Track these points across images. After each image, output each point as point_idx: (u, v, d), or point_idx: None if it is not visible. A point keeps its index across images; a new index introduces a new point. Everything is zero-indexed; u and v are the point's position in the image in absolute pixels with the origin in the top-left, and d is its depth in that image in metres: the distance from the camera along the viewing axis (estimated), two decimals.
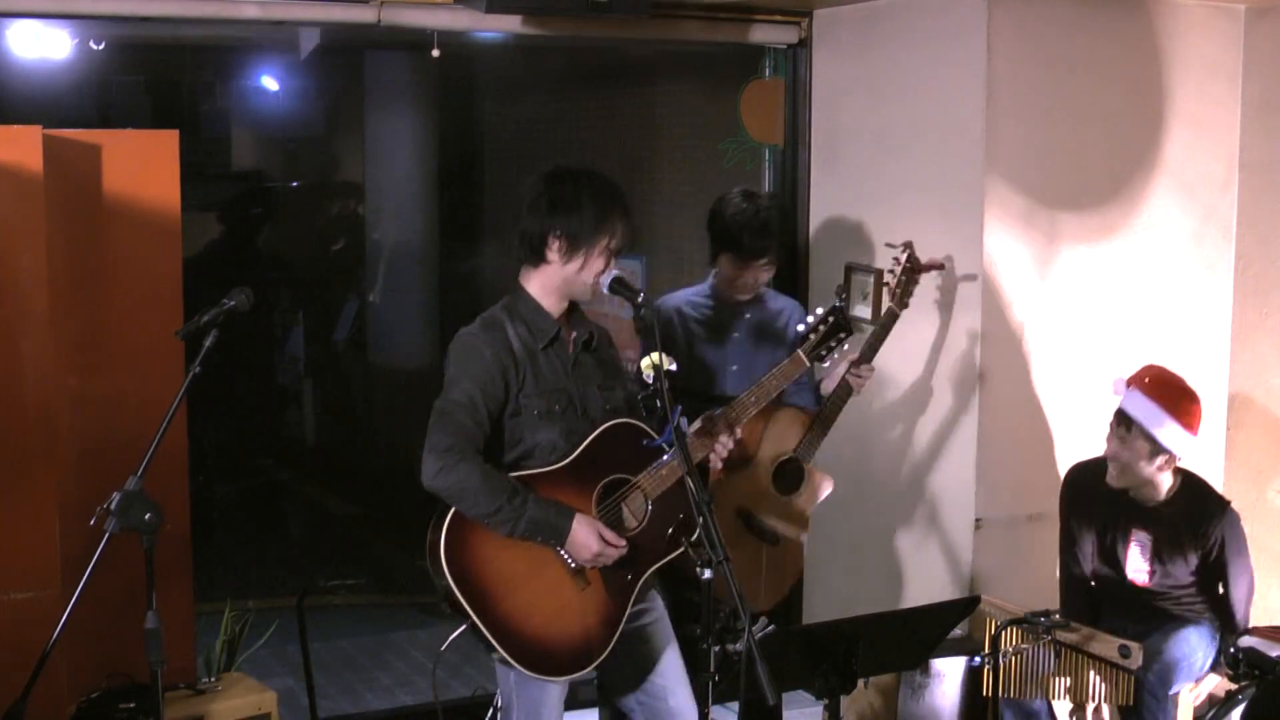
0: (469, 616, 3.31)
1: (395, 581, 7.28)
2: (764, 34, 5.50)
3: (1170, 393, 4.34)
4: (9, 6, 4.47)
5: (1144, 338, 5.13)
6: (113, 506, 3.32)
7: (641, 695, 3.63)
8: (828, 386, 4.32)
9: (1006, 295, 4.87)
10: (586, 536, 3.36)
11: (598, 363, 3.61)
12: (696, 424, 3.67)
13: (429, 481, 3.36)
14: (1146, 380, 4.37)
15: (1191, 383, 4.54)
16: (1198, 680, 4.43)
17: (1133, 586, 4.50)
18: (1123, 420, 4.34)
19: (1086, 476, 4.58)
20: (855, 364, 4.24)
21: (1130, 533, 4.46)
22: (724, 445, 3.67)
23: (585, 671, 3.44)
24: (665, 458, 3.46)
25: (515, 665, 3.34)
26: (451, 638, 3.52)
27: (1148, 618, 4.47)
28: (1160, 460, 4.32)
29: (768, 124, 5.68)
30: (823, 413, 4.29)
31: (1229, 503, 4.47)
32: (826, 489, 4.37)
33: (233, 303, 3.56)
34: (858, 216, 5.33)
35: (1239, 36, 5.17)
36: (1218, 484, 5.29)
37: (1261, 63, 5.15)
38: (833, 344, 4.02)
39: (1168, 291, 5.17)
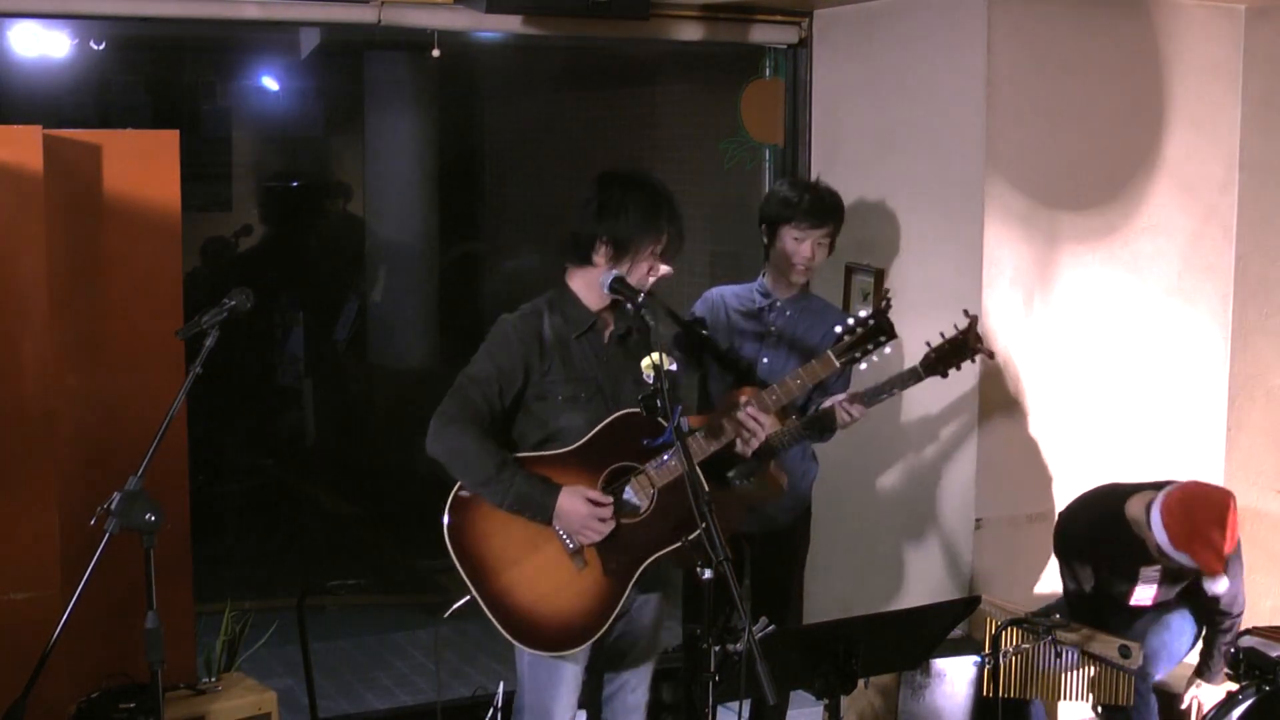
0: (469, 589, 3.46)
1: (395, 581, 7.28)
2: (764, 34, 5.50)
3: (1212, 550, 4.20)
4: (9, 6, 4.47)
5: (1144, 338, 5.13)
6: (113, 506, 3.31)
7: (606, 678, 3.73)
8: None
9: (1006, 295, 4.87)
10: (572, 504, 3.42)
11: (636, 358, 3.60)
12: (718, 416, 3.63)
13: (429, 447, 3.48)
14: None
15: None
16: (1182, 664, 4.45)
17: (1135, 610, 4.50)
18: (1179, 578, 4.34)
19: (1082, 523, 4.50)
20: (851, 400, 4.09)
21: (1139, 571, 4.41)
22: (748, 425, 3.60)
23: (575, 650, 3.50)
24: (666, 456, 3.47)
25: (505, 634, 3.46)
26: (455, 606, 3.68)
27: (1142, 616, 4.49)
28: None
29: (768, 124, 5.68)
30: (801, 417, 4.15)
31: None
32: (773, 494, 4.07)
33: (233, 303, 3.56)
34: (858, 217, 5.32)
35: (1239, 36, 5.17)
36: (1219, 484, 5.29)
37: (1261, 63, 5.15)
38: (870, 347, 3.77)
39: (1168, 292, 5.17)
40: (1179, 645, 4.42)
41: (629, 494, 3.50)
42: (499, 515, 3.43)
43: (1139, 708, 4.29)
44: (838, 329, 3.81)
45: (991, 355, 4.13)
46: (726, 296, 4.49)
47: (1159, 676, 4.37)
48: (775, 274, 4.41)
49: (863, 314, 3.78)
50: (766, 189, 5.75)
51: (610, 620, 3.48)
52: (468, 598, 3.49)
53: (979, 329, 4.01)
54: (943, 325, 4.47)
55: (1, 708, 3.57)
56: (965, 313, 4.01)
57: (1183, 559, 4.15)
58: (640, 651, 3.72)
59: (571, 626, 3.46)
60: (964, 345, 3.97)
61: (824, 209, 4.31)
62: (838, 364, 3.77)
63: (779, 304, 4.41)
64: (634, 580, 3.49)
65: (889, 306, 3.80)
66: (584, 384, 3.53)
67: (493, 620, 3.45)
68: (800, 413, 4.23)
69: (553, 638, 3.47)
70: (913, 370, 4.02)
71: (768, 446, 4.01)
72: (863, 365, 3.84)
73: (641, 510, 3.50)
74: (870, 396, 4.08)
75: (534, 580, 3.45)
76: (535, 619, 3.45)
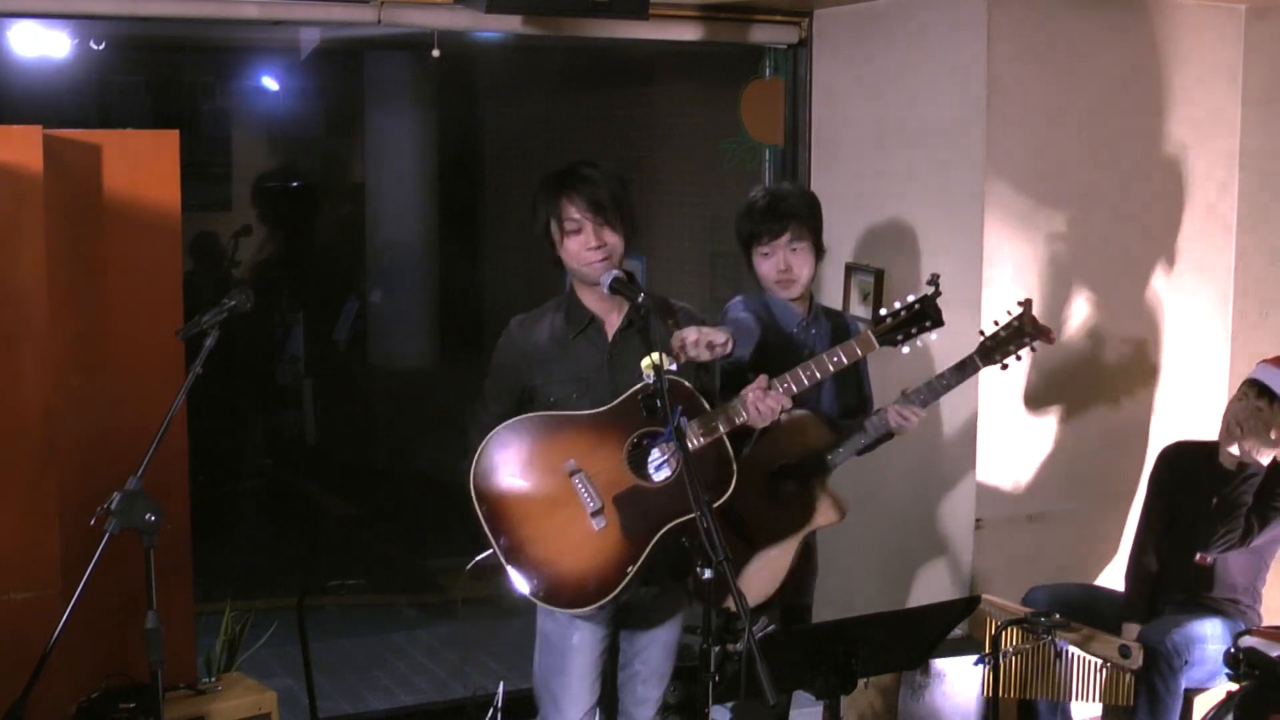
0: (488, 539, 3.46)
1: (395, 581, 7.29)
2: (764, 34, 5.51)
3: None
4: (9, 6, 4.47)
5: (1144, 338, 5.13)
6: (113, 506, 3.31)
7: (621, 661, 3.75)
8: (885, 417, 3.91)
9: (1006, 295, 4.87)
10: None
11: (643, 346, 3.47)
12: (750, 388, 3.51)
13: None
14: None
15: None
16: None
17: (1198, 567, 4.52)
18: (1264, 392, 4.42)
19: (1186, 456, 4.65)
20: (904, 402, 3.85)
21: (1210, 499, 4.49)
22: (761, 409, 3.49)
23: (589, 609, 3.48)
24: (666, 456, 3.47)
25: (519, 587, 3.44)
26: (478, 559, 3.65)
27: (1192, 604, 4.50)
28: None
29: (768, 124, 5.68)
30: (852, 435, 3.91)
31: None
32: (826, 518, 3.91)
33: (233, 303, 3.56)
34: (858, 216, 5.33)
35: (1239, 36, 5.17)
36: None
37: (1261, 63, 5.15)
38: (914, 331, 3.57)
39: (1168, 291, 5.17)
40: (1215, 654, 4.39)
41: (656, 455, 3.49)
42: (523, 471, 3.47)
43: (1169, 690, 4.26)
44: (882, 310, 3.63)
45: (1052, 340, 3.85)
46: (768, 308, 4.10)
47: (1188, 664, 4.31)
48: (770, 288, 4.08)
49: (911, 298, 3.60)
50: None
51: (625, 582, 3.45)
52: (490, 551, 3.48)
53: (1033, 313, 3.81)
54: (944, 325, 4.45)
55: (1, 708, 3.57)
56: (1029, 302, 3.83)
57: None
58: (653, 639, 3.71)
59: (586, 585, 3.44)
60: (1020, 331, 3.76)
61: (778, 213, 3.99)
62: (877, 344, 3.58)
63: (802, 322, 4.09)
64: (651, 545, 3.46)
65: (939, 293, 3.60)
66: (575, 385, 3.54)
67: (509, 571, 3.43)
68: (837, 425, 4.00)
69: (567, 594, 3.46)
70: (968, 361, 3.80)
71: (820, 465, 3.92)
72: (905, 349, 3.64)
73: (666, 477, 3.48)
74: (924, 395, 3.85)
75: (553, 535, 3.45)
76: (551, 574, 3.44)
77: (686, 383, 3.48)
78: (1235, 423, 4.46)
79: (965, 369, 3.80)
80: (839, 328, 4.18)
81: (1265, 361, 4.54)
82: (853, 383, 4.13)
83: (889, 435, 3.94)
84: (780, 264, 4.00)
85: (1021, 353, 3.80)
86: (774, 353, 3.96)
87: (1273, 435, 4.41)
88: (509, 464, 3.47)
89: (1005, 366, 3.82)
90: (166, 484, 3.95)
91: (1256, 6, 5.11)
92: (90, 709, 4.09)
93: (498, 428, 3.47)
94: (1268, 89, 5.14)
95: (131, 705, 4.06)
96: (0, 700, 3.61)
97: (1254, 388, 4.46)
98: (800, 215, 4.01)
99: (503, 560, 3.45)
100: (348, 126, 9.69)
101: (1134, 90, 5.01)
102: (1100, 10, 4.91)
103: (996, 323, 3.80)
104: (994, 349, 3.79)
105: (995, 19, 4.73)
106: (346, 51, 8.68)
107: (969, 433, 4.92)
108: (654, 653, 3.74)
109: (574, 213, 3.51)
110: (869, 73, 5.28)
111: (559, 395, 3.53)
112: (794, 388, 3.55)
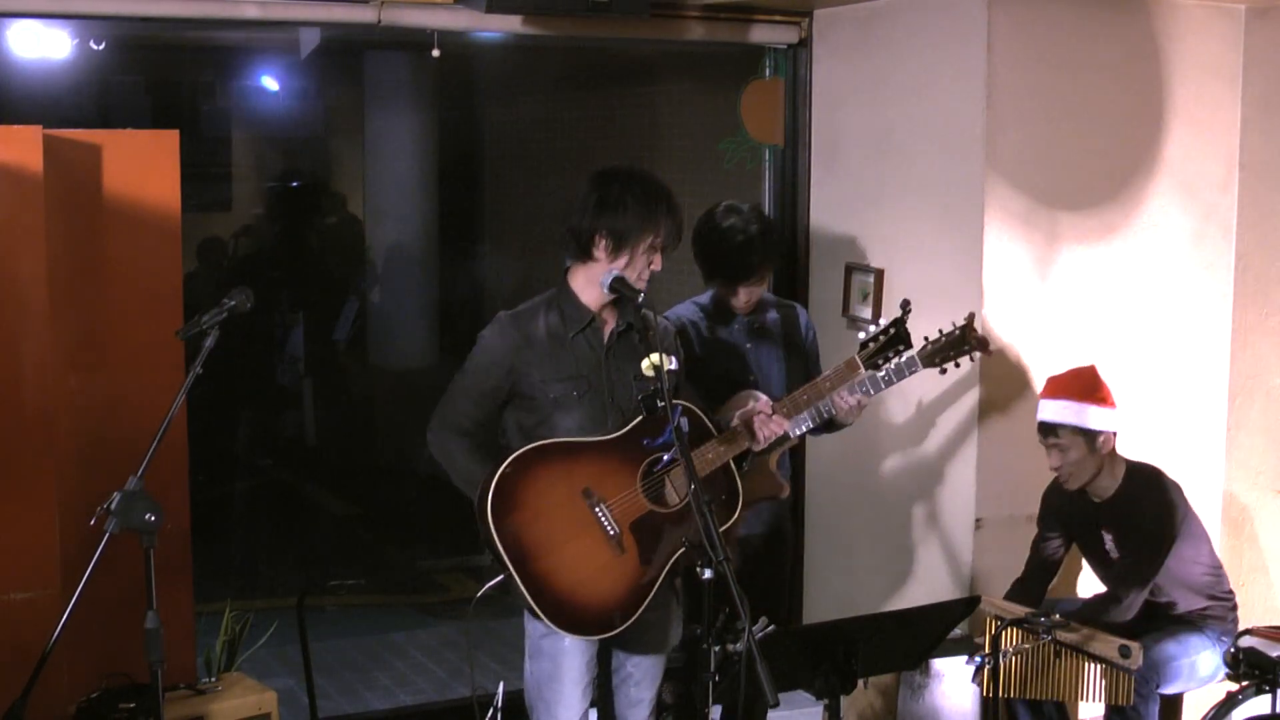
0: (508, 572, 3.43)
1: (395, 581, 7.29)
2: (764, 34, 5.51)
3: (1069, 383, 4.44)
4: (9, 6, 4.47)
5: (1144, 338, 5.13)
6: (113, 506, 3.31)
7: (613, 666, 3.78)
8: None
9: (1006, 295, 4.88)
10: None
11: (637, 356, 3.58)
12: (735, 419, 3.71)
13: (428, 444, 3.65)
14: (1045, 389, 4.49)
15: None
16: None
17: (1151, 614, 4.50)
18: (1047, 430, 4.40)
19: (1056, 490, 4.58)
20: (849, 391, 4.06)
21: (1101, 535, 4.48)
22: (767, 434, 3.69)
23: (611, 633, 3.52)
24: (666, 457, 3.48)
25: (545, 621, 3.45)
26: (486, 587, 3.69)
27: (1150, 616, 4.47)
28: (1100, 446, 4.37)
29: (768, 124, 5.68)
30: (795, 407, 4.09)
31: (1163, 477, 4.49)
32: (767, 491, 4.24)
33: (233, 303, 3.56)
34: (858, 217, 5.33)
35: (1239, 37, 5.17)
36: (1218, 484, 5.30)
37: (1261, 63, 5.15)
38: (890, 354, 3.94)
39: (1168, 291, 5.17)
40: (1199, 665, 4.38)
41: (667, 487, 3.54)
42: (542, 502, 3.45)
43: (1140, 714, 4.28)
44: (861, 335, 3.95)
45: (989, 352, 4.21)
46: (694, 319, 4.33)
47: (1166, 690, 4.34)
48: (724, 301, 4.32)
49: (884, 322, 3.94)
50: (766, 189, 5.75)
51: (645, 604, 3.50)
52: (499, 578, 3.50)
53: (978, 326, 4.11)
54: (942, 325, 4.49)
55: (1, 708, 3.57)
56: (971, 316, 4.11)
57: (1053, 408, 4.37)
58: (644, 642, 3.72)
59: (610, 611, 3.48)
60: (961, 340, 4.07)
61: (754, 264, 4.20)
62: (864, 370, 3.93)
63: (740, 319, 4.33)
64: (667, 567, 3.52)
65: (907, 315, 3.93)
66: (575, 383, 3.54)
67: (531, 604, 3.44)
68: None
69: (591, 621, 3.49)
70: (909, 360, 4.05)
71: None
72: (881, 372, 3.98)
73: (677, 501, 3.53)
74: (868, 388, 4.06)
75: (574, 565, 3.46)
76: (574, 603, 3.47)
77: (694, 407, 3.53)
78: (1057, 471, 4.42)
79: (907, 368, 4.06)
80: (787, 317, 4.43)
81: (1041, 397, 4.49)
82: (799, 369, 4.37)
83: (834, 425, 4.19)
84: (744, 298, 4.27)
85: (961, 360, 4.08)
86: (716, 354, 4.27)
87: (1075, 455, 4.36)
88: (528, 495, 3.44)
89: (944, 371, 4.09)
90: (166, 484, 3.96)
91: (1256, 6, 5.11)
92: (90, 709, 4.10)
93: (512, 456, 3.43)
94: (1268, 89, 5.14)
95: (131, 705, 4.07)
96: (0, 700, 3.61)
97: (1039, 432, 4.42)
98: (773, 260, 4.32)
99: (523, 592, 3.42)
100: (348, 126, 9.68)
101: (1134, 91, 5.01)
102: (1100, 11, 4.91)
103: (941, 330, 4.09)
104: (934, 354, 4.07)
105: (995, 19, 4.73)
106: (346, 51, 8.68)
107: (969, 433, 4.92)
108: (645, 655, 3.74)
109: (668, 236, 3.57)
110: (869, 73, 5.28)
111: (559, 393, 3.53)
112: (791, 412, 3.82)
